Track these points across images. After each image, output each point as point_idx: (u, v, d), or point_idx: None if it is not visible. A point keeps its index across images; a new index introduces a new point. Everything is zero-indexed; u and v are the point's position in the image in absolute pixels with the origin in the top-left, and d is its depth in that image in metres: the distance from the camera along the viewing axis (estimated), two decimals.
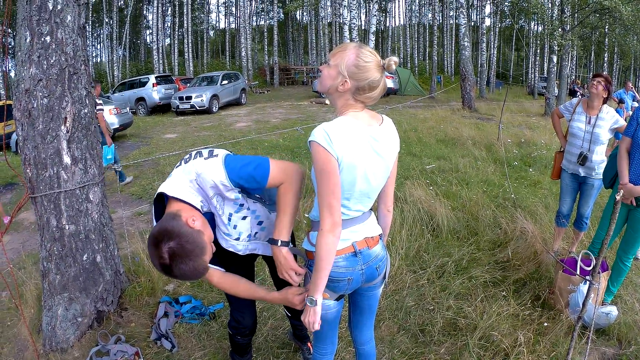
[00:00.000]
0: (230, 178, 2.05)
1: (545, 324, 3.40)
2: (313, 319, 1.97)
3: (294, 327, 3.21)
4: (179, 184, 2.06)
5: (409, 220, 5.02)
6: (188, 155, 2.15)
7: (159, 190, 2.07)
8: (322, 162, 1.80)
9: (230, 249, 2.35)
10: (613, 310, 3.40)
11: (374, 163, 1.93)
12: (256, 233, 2.37)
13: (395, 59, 1.85)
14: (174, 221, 1.90)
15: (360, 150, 1.86)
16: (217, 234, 2.31)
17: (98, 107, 8.18)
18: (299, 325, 3.13)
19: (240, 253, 2.38)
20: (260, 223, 2.36)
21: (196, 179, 2.06)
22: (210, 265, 2.12)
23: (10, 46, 24.72)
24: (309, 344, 3.22)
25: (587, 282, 2.89)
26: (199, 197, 2.09)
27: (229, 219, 2.25)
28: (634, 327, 3.37)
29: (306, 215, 5.41)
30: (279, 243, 2.13)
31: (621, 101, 12.53)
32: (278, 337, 3.42)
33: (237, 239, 2.33)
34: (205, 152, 2.12)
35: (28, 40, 3.00)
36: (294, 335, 3.28)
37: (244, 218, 2.29)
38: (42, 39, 3.01)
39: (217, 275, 2.26)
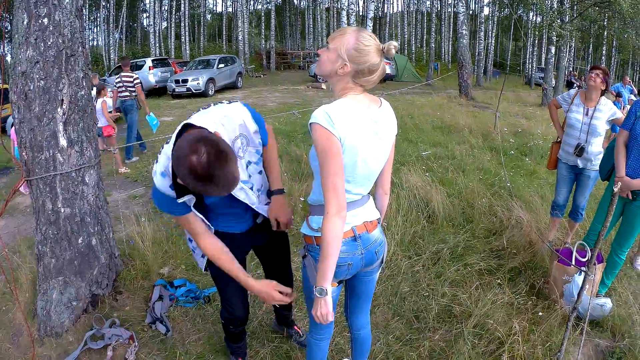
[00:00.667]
0: (252, 117, 2.21)
1: (540, 314, 3.42)
2: (325, 311, 1.91)
3: (278, 315, 3.22)
4: (204, 119, 2.05)
5: (404, 206, 5.02)
6: (206, 105, 2.22)
7: (184, 122, 2.03)
8: (325, 144, 1.78)
9: (247, 201, 2.30)
10: (607, 302, 3.42)
11: (374, 145, 1.93)
12: (259, 195, 2.39)
13: (394, 43, 1.84)
14: (201, 131, 1.84)
15: (361, 132, 1.86)
16: None
17: (136, 81, 8.56)
18: (283, 312, 3.15)
19: (254, 206, 2.34)
20: (259, 189, 2.39)
21: (221, 120, 2.10)
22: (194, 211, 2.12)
23: (6, 30, 24.38)
24: (295, 327, 3.22)
25: (582, 273, 2.91)
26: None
27: (247, 167, 2.27)
28: (628, 320, 3.39)
29: (301, 199, 5.41)
30: (278, 192, 2.42)
31: (619, 94, 12.57)
32: (272, 321, 3.43)
33: (252, 188, 2.32)
34: (224, 101, 2.24)
35: (25, 22, 2.95)
36: (278, 322, 3.28)
37: (260, 172, 2.36)
38: (40, 21, 2.96)
39: (202, 230, 2.20)
